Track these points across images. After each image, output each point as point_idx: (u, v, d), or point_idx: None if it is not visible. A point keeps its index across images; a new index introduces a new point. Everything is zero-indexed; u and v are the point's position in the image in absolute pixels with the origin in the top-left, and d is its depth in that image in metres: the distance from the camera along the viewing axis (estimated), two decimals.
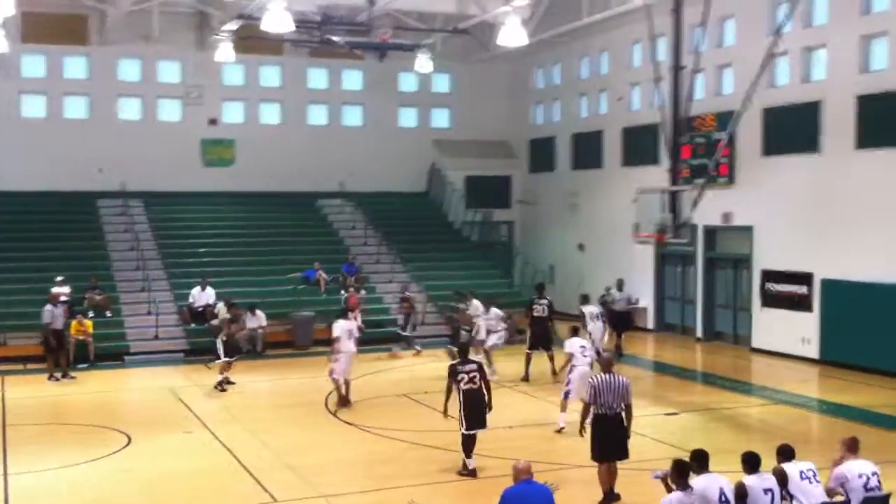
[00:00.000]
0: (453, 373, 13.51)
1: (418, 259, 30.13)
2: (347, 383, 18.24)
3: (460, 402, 13.35)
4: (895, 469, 12.41)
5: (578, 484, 12.66)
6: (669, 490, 9.44)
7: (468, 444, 13.35)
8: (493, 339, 20.95)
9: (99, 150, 30.34)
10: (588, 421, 12.37)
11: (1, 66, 28.90)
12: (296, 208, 32.05)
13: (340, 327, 18.25)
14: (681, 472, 9.29)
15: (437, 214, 33.60)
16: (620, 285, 24.85)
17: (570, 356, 16.37)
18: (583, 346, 16.52)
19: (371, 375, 21.10)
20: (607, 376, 12.13)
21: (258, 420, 17.31)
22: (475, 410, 13.33)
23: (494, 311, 21.30)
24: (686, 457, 9.60)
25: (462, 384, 13.36)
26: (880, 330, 20.68)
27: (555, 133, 33.15)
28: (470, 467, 13.32)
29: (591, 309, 21.26)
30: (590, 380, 12.47)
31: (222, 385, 19.79)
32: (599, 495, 11.90)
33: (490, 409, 13.59)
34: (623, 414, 12.06)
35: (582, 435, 12.46)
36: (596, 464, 12.11)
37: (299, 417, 17.50)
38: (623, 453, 12.02)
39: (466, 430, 13.33)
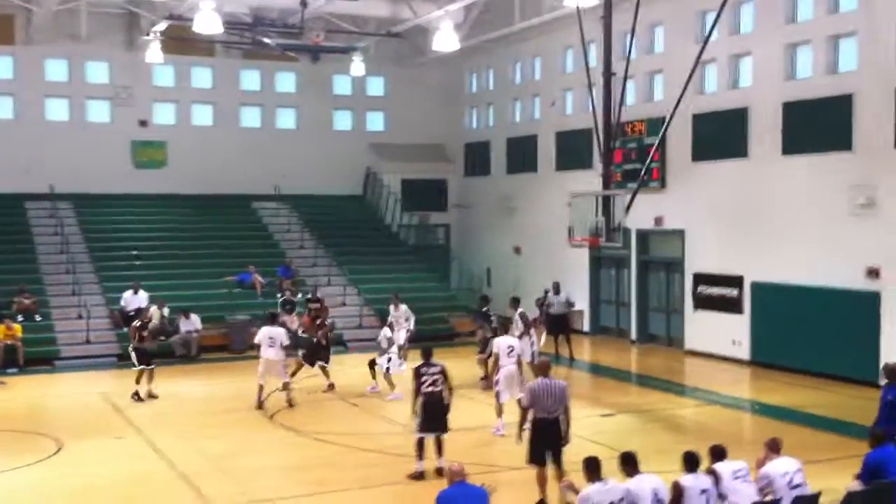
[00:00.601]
0: (417, 374, 13.51)
1: (354, 262, 30.06)
2: (286, 386, 18.32)
3: (420, 403, 13.37)
4: (823, 468, 12.82)
5: (516, 486, 12.74)
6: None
7: (419, 446, 13.32)
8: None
9: (26, 151, 29.68)
10: (526, 425, 12.38)
11: None
12: (230, 211, 31.74)
13: (261, 333, 18.53)
14: (592, 467, 9.53)
15: (373, 218, 33.55)
16: (557, 288, 24.89)
17: (496, 356, 16.41)
18: (510, 346, 16.53)
19: (306, 379, 20.97)
20: (545, 380, 12.11)
21: (192, 425, 17.13)
22: (431, 413, 13.33)
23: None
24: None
25: (424, 386, 13.35)
26: (807, 332, 21.22)
27: (489, 137, 33.34)
28: (419, 470, 13.31)
29: (522, 313, 21.19)
30: (528, 384, 12.50)
31: (138, 395, 19.09)
32: (536, 497, 11.95)
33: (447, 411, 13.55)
34: (560, 417, 12.06)
35: (519, 442, 12.42)
36: (532, 466, 12.09)
37: (234, 422, 17.32)
38: (557, 457, 11.95)
39: (418, 432, 13.35)
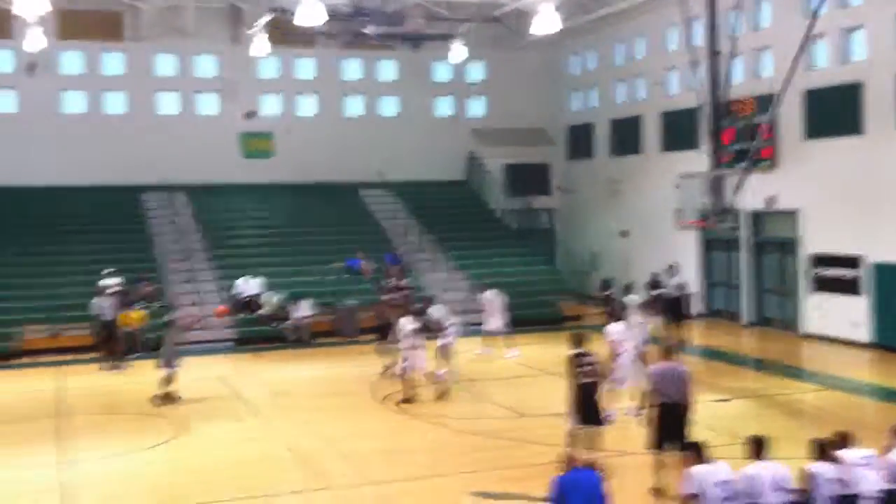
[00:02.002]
0: (575, 363, 12.71)
1: (460, 248, 30.12)
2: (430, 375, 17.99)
3: (576, 395, 12.63)
4: None
5: (630, 471, 12.65)
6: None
7: (573, 437, 12.67)
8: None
9: (139, 144, 30.68)
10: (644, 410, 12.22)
11: (40, 63, 29.35)
12: (337, 199, 32.17)
13: (404, 326, 18.00)
14: (697, 451, 9.58)
15: (476, 203, 33.61)
16: (672, 271, 24.34)
17: (614, 343, 16.19)
18: (622, 332, 16.39)
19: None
20: (668, 364, 11.88)
21: (307, 409, 17.47)
22: (589, 405, 12.61)
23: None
24: (738, 444, 9.68)
25: (582, 377, 12.66)
26: None
27: (592, 119, 33.03)
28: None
29: (633, 298, 20.99)
30: (651, 368, 12.28)
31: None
32: (649, 483, 11.81)
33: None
34: (682, 403, 11.83)
35: (642, 425, 12.22)
36: (651, 452, 11.94)
37: (348, 406, 17.61)
38: (682, 443, 11.48)
39: (574, 424, 12.71)
